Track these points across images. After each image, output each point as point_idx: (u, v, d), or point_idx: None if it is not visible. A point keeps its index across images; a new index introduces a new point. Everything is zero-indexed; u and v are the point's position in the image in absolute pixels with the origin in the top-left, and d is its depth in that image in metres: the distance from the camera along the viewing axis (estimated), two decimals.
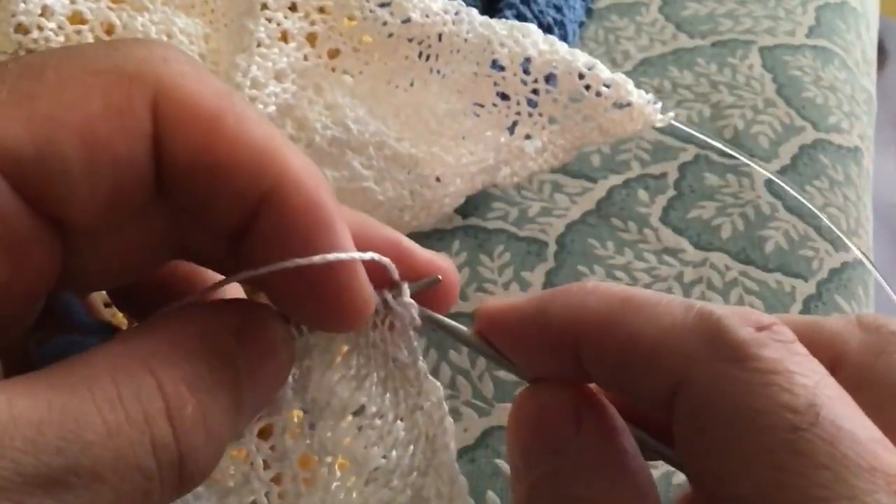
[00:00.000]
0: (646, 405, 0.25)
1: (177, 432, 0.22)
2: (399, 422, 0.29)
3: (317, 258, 0.24)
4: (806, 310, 0.52)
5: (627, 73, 0.64)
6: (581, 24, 0.66)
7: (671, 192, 0.57)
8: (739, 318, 0.23)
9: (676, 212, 0.56)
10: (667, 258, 0.54)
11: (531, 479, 0.26)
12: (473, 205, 0.54)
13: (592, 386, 0.28)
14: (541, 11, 0.59)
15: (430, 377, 0.29)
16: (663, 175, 0.58)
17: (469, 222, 0.54)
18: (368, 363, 0.29)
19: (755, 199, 0.57)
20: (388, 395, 0.29)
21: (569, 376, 0.27)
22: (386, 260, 0.27)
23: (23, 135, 0.21)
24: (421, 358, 0.29)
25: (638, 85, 0.63)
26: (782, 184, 0.54)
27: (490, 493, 0.44)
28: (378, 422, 0.29)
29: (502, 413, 0.45)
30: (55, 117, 0.21)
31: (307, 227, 0.24)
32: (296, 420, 0.28)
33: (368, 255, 0.26)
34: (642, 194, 0.57)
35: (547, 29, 0.58)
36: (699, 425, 0.22)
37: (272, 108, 0.38)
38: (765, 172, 0.52)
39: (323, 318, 0.26)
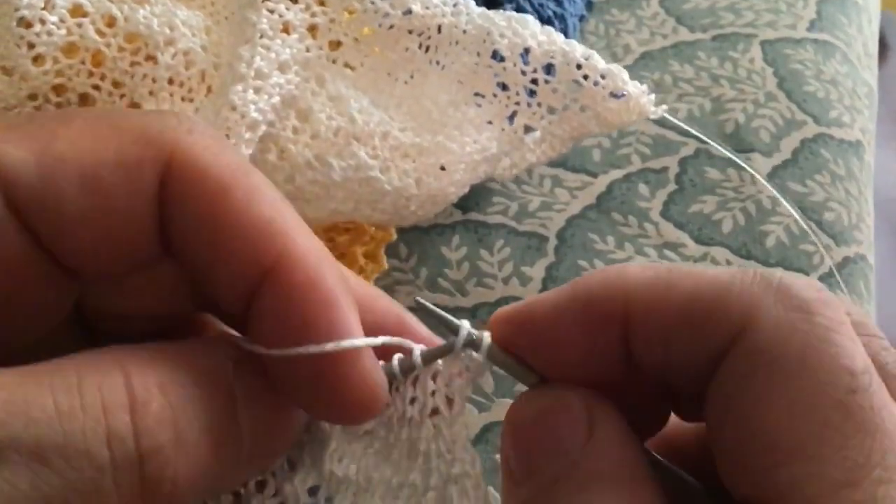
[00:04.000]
0: (689, 373, 0.24)
1: (137, 427, 0.21)
2: (431, 492, 0.27)
3: (329, 346, 0.22)
4: None
5: (628, 67, 0.64)
6: (582, 18, 0.66)
7: (672, 187, 0.57)
8: (804, 281, 0.23)
9: (677, 206, 0.56)
10: (667, 253, 0.54)
11: (534, 482, 0.25)
12: (473, 199, 0.54)
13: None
14: (541, 4, 0.59)
15: (469, 445, 0.27)
16: (664, 169, 0.58)
17: (469, 217, 0.54)
18: (394, 428, 0.26)
19: (756, 193, 0.57)
20: (419, 461, 0.27)
21: (608, 367, 0.25)
22: (399, 340, 0.26)
23: (31, 163, 0.22)
24: (461, 421, 0.27)
25: (639, 79, 0.63)
26: (771, 189, 0.54)
27: (490, 489, 0.44)
28: (406, 491, 0.27)
29: (502, 409, 0.45)
30: (65, 157, 0.22)
31: (307, 306, 0.23)
32: (308, 498, 0.27)
33: (380, 340, 0.24)
34: (643, 188, 0.57)
35: (547, 22, 0.58)
36: (756, 371, 0.22)
37: (276, 99, 0.38)
38: (755, 174, 0.52)
39: (326, 410, 0.25)
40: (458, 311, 0.50)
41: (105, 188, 0.22)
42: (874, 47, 0.75)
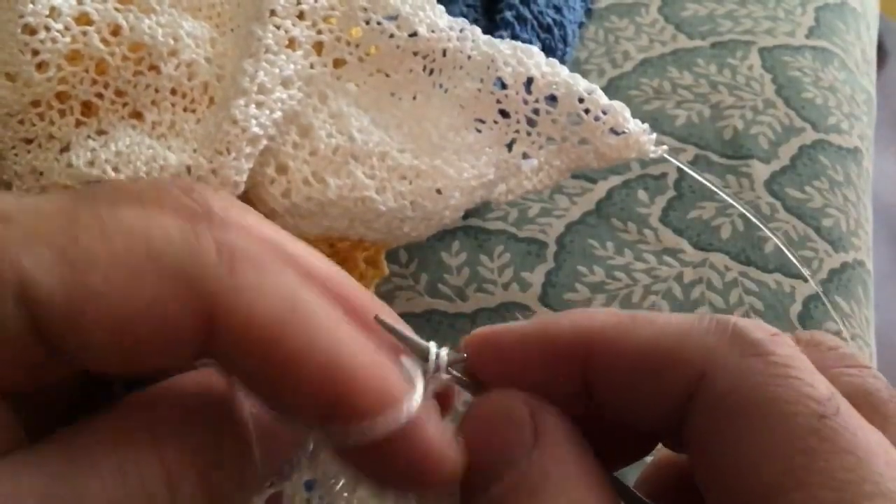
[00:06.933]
0: (654, 416, 0.25)
1: None
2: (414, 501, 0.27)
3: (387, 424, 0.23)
4: (806, 310, 0.52)
5: (627, 74, 0.64)
6: (581, 25, 0.66)
7: (671, 193, 0.58)
8: (752, 323, 0.24)
9: (676, 212, 0.56)
10: (666, 258, 0.54)
11: (493, 492, 0.25)
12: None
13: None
14: (540, 12, 0.59)
15: None
16: (663, 175, 0.59)
17: (469, 223, 0.55)
18: None
19: (755, 199, 0.57)
20: None
21: (567, 401, 0.26)
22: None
23: (60, 294, 0.21)
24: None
25: (638, 86, 0.64)
26: (750, 216, 0.54)
27: None
28: (392, 493, 0.27)
29: None
30: (98, 295, 0.21)
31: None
32: (304, 493, 0.27)
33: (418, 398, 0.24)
34: (642, 195, 0.57)
35: (546, 30, 0.58)
36: (723, 416, 0.23)
37: (278, 114, 0.38)
38: (740, 207, 0.52)
39: (399, 481, 0.25)
40: (458, 317, 0.50)
41: (137, 336, 0.21)
42: (872, 54, 0.75)
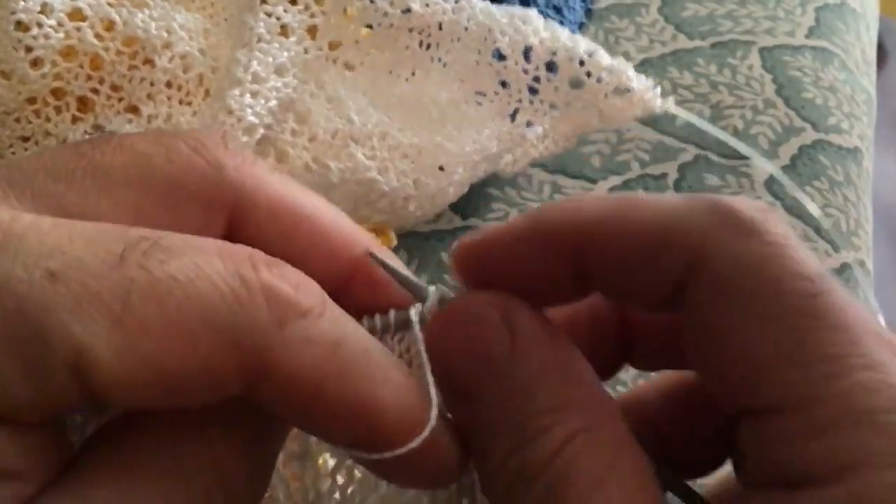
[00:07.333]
0: (652, 299, 0.25)
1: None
2: None
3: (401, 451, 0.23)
4: None
5: None
6: (581, 25, 0.66)
7: (671, 193, 0.57)
8: (745, 202, 0.24)
9: None
10: None
11: (487, 395, 0.25)
12: (473, 206, 0.54)
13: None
14: (540, 12, 0.59)
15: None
16: (663, 175, 0.58)
17: (469, 223, 0.54)
18: None
19: (755, 199, 0.57)
20: None
21: (565, 294, 0.26)
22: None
23: (115, 365, 0.20)
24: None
25: None
26: (782, 181, 0.54)
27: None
28: None
29: None
30: (151, 362, 0.21)
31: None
32: None
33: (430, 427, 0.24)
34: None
35: None
36: (718, 295, 0.23)
37: (273, 103, 0.38)
38: (768, 167, 0.52)
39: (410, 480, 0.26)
40: None
41: (185, 394, 0.21)
42: (872, 54, 0.75)
